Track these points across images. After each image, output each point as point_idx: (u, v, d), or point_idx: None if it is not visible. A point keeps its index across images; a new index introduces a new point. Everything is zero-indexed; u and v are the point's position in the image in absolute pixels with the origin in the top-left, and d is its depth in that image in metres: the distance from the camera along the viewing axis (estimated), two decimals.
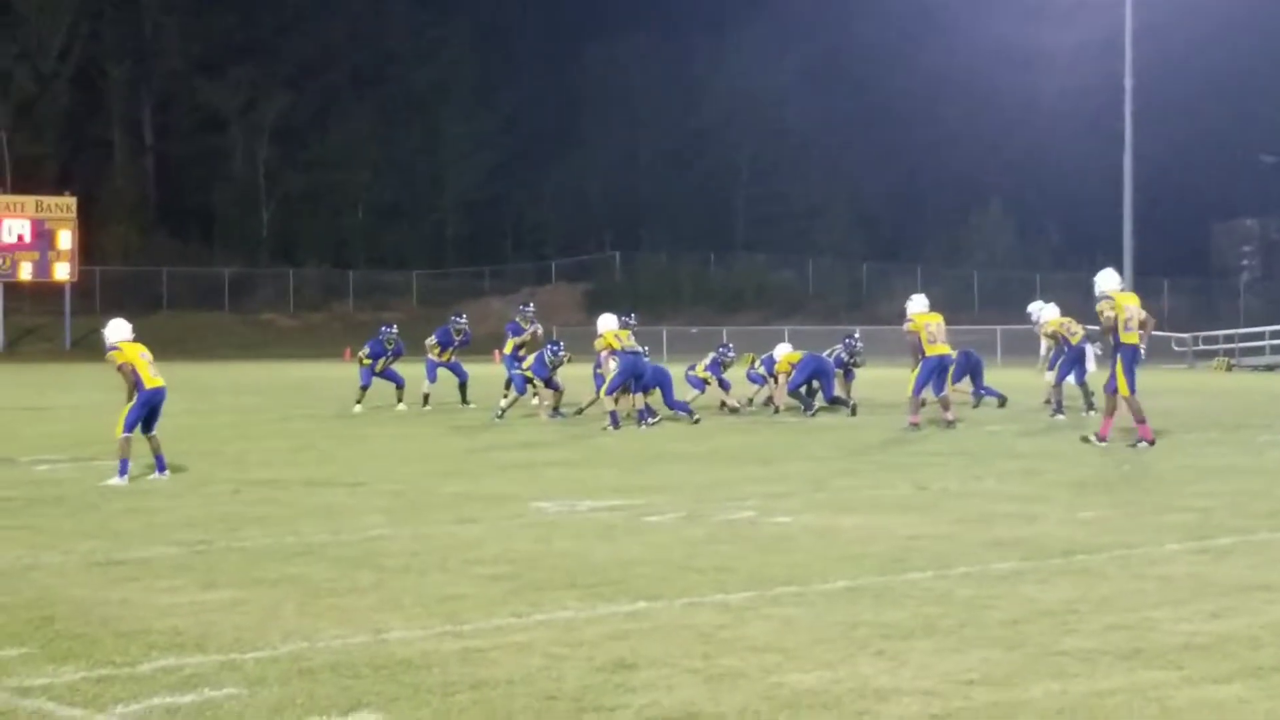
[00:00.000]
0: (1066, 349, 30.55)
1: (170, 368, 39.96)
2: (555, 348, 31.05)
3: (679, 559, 12.86)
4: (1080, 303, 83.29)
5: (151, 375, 19.82)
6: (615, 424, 27.98)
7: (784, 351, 32.27)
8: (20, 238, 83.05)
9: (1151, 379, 49.97)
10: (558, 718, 7.85)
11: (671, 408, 29.76)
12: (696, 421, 28.95)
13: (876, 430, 27.31)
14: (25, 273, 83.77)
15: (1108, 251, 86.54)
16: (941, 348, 27.92)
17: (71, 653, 9.40)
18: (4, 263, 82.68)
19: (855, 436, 26.16)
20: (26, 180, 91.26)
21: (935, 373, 27.78)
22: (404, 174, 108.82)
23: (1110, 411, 23.88)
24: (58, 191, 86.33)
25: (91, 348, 76.34)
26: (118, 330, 20.13)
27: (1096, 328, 25.07)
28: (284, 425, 30.15)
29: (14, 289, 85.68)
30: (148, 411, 19.77)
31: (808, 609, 10.64)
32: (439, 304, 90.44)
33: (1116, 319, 23.44)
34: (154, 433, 19.93)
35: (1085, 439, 23.96)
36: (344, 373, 33.60)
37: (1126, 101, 73.64)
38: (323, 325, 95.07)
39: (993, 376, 35.37)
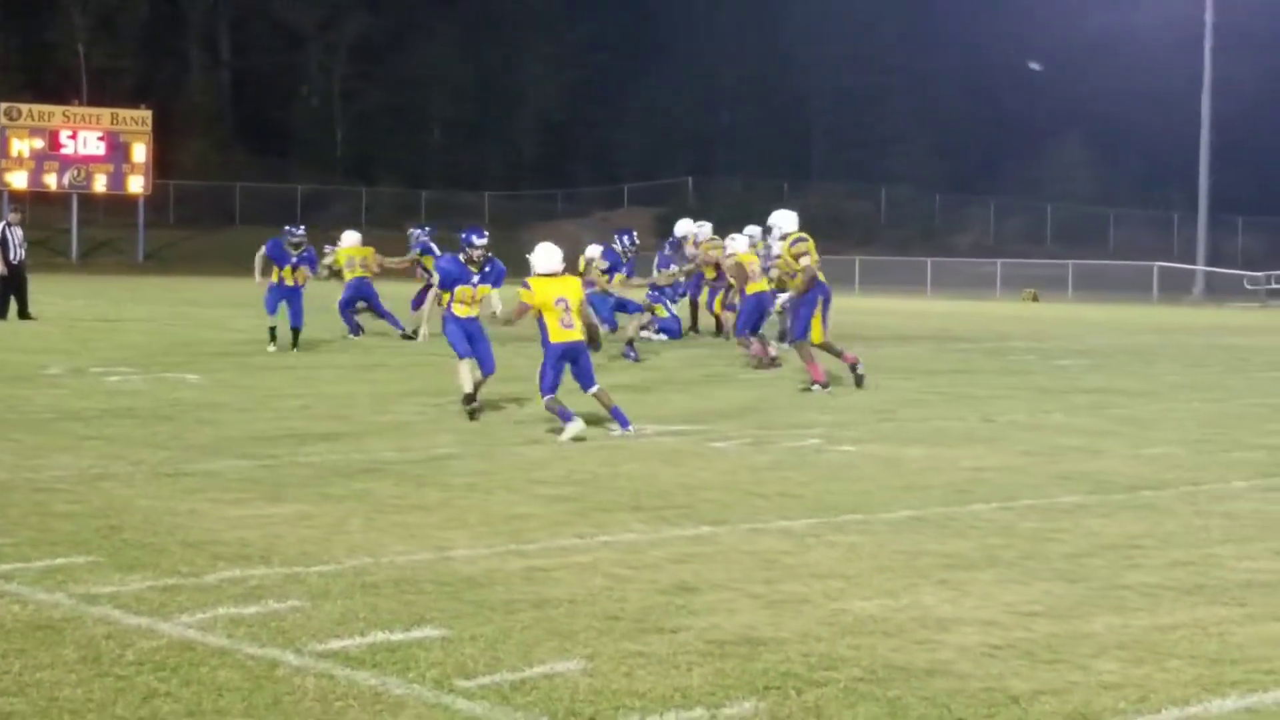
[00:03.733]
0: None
1: (241, 283, 40.04)
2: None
3: (744, 485, 12.88)
4: (1154, 239, 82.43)
5: (561, 327, 16.30)
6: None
7: None
8: (95, 150, 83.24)
9: (1223, 317, 49.64)
10: (619, 638, 7.87)
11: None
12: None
13: (945, 361, 27.24)
14: (99, 185, 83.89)
15: (1183, 188, 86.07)
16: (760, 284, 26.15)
17: (138, 562, 9.48)
18: (78, 175, 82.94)
19: (923, 368, 26.10)
20: (102, 93, 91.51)
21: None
22: (482, 94, 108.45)
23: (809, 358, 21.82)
24: (134, 104, 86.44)
25: (164, 261, 76.97)
26: (544, 259, 16.82)
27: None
28: (355, 342, 30.16)
29: (88, 201, 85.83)
30: (563, 368, 16.49)
31: (871, 537, 10.65)
32: (511, 225, 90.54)
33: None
34: (597, 388, 16.69)
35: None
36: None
37: (1206, 38, 73.06)
38: (395, 244, 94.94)
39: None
